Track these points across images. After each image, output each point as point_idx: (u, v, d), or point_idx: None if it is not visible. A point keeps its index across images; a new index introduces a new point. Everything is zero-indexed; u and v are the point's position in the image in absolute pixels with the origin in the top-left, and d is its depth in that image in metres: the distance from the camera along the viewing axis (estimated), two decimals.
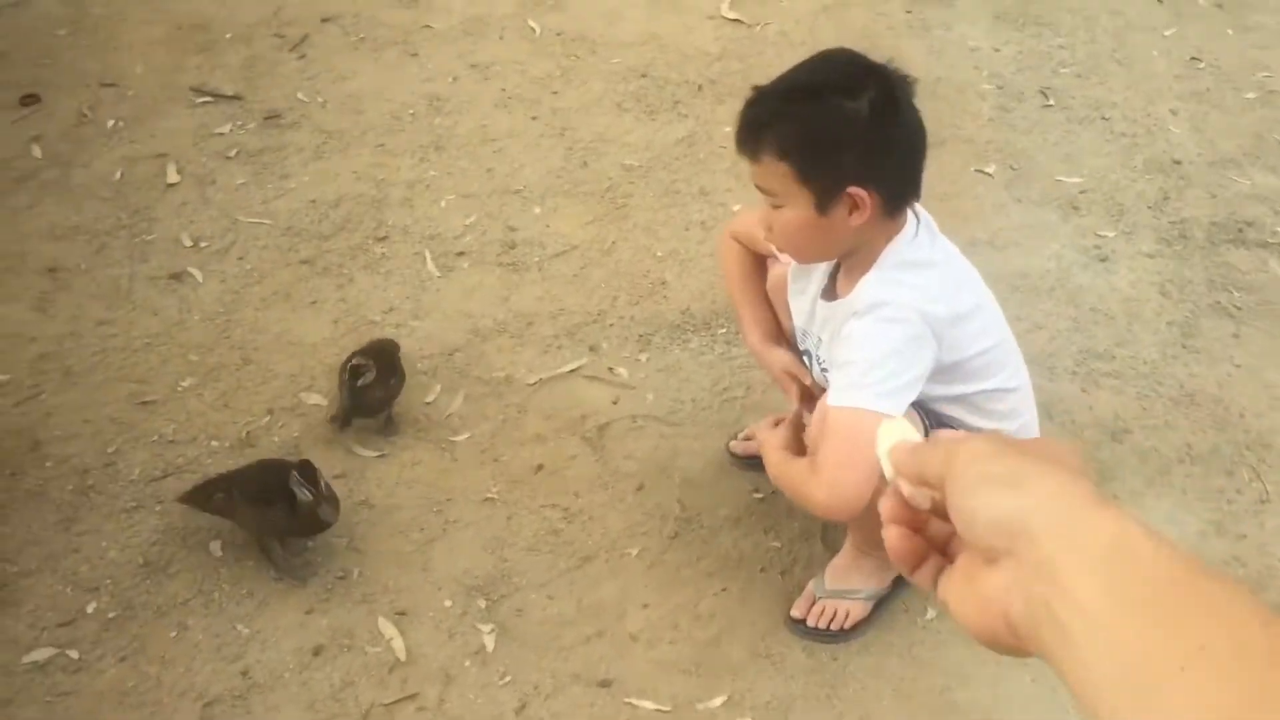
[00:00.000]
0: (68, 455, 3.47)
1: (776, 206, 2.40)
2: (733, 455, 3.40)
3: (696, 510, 3.30)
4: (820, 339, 2.66)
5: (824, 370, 2.66)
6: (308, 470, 3.04)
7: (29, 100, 4.84)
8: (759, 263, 2.96)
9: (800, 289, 2.72)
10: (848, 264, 2.54)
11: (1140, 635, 0.63)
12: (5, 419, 3.57)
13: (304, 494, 3.00)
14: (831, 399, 2.37)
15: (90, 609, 3.05)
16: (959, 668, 2.92)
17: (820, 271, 2.64)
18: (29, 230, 4.25)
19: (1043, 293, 4.03)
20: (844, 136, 2.30)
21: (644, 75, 5.03)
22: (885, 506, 0.85)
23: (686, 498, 3.33)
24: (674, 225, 4.27)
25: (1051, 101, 4.97)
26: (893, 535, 0.84)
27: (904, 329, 2.35)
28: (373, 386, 3.36)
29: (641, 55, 5.15)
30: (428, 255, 4.12)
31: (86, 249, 4.18)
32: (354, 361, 3.40)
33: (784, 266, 2.81)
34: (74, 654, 2.94)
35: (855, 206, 2.33)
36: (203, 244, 4.20)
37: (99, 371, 3.73)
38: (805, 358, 2.80)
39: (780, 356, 2.86)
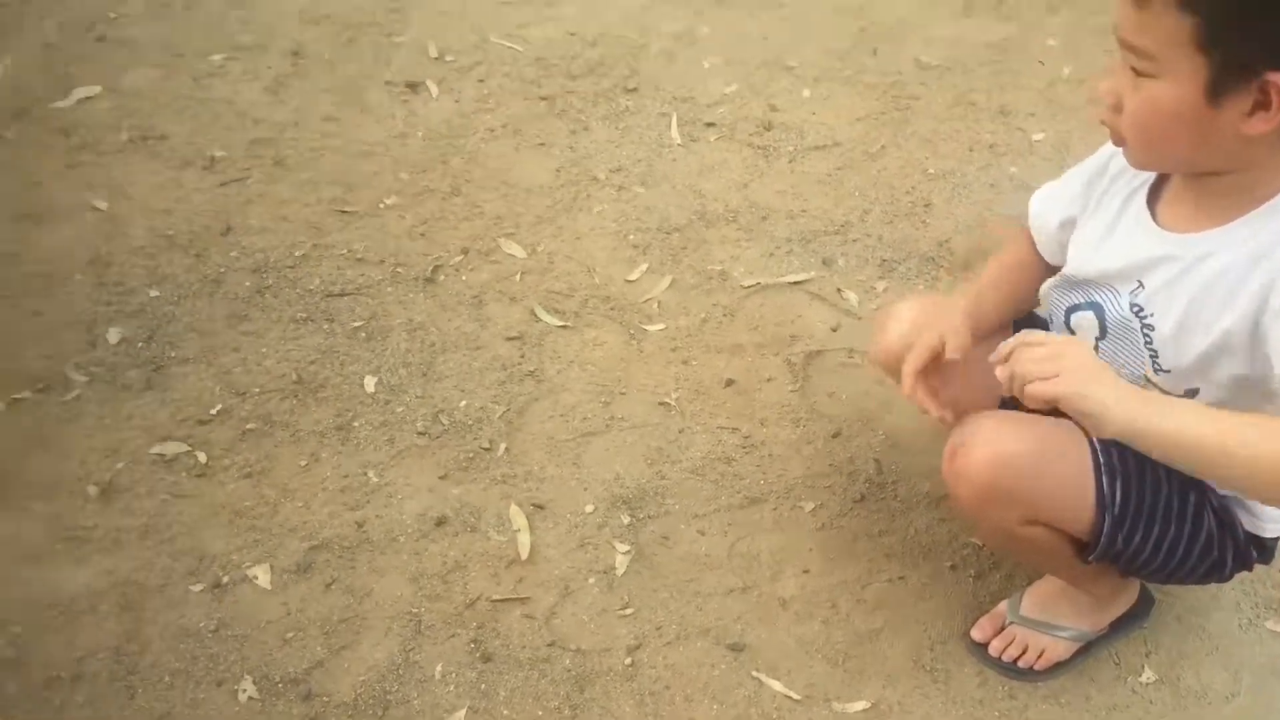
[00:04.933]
0: (255, 248, 3.30)
1: (1144, 75, 1.68)
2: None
3: (894, 476, 2.81)
4: (1141, 284, 1.98)
5: (1147, 329, 1.96)
6: None
7: None
8: (1038, 277, 2.32)
9: (1096, 211, 2.09)
10: (1204, 189, 1.82)
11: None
12: (208, 197, 3.43)
13: None
14: None
15: (231, 412, 2.89)
16: None
17: (1130, 189, 2.01)
18: (285, 9, 4.08)
19: None
20: None
21: None
22: None
23: (886, 459, 2.84)
24: (958, 141, 3.66)
25: None
26: None
27: None
28: None
29: None
30: (674, 119, 3.69)
31: (335, 40, 3.97)
32: None
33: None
34: (202, 456, 2.78)
35: (1263, 104, 1.62)
36: (448, 57, 3.92)
37: (309, 169, 3.54)
38: (1076, 316, 2.17)
39: (962, 336, 2.22)
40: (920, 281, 3.24)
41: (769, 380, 3.00)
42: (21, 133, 3.57)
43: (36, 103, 3.66)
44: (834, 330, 3.12)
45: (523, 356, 3.05)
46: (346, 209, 3.42)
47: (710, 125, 3.68)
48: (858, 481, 2.79)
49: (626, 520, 2.69)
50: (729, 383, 2.99)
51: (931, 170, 3.58)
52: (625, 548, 2.64)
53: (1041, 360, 1.76)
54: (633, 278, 3.24)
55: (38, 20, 3.99)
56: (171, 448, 2.81)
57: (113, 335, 3.05)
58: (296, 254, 3.29)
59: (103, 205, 3.38)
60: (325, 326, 3.12)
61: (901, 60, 3.93)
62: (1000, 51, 3.98)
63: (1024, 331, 1.87)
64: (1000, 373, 1.84)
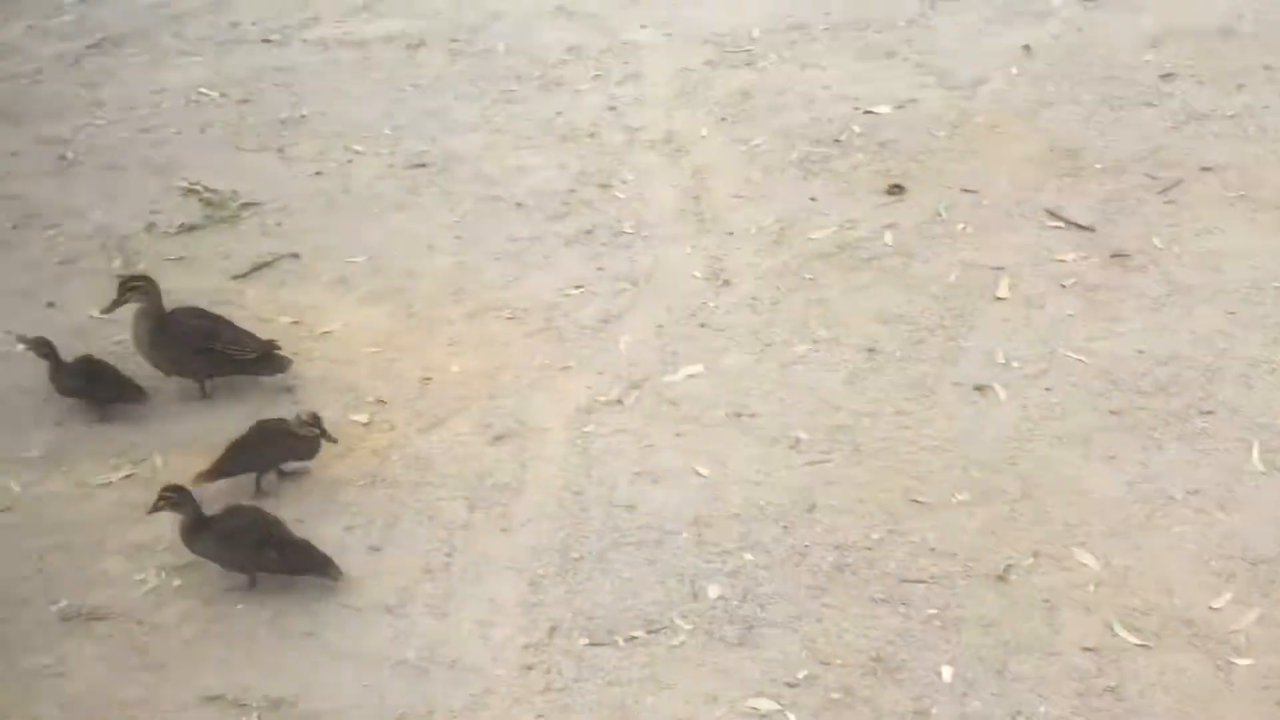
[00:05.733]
0: (836, 527, 3.61)
1: None
2: None
3: None
4: None
5: None
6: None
7: (895, 190, 5.19)
8: None
9: None
10: None
11: None
12: (794, 474, 3.82)
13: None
14: None
15: (816, 680, 3.13)
16: None
17: None
18: (860, 308, 4.53)
19: None
20: None
21: None
22: None
23: None
24: None
25: None
26: None
27: None
28: None
29: None
30: (1255, 446, 3.66)
31: (905, 339, 4.35)
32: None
33: None
34: (792, 717, 3.03)
35: None
36: (1014, 364, 4.16)
37: (884, 457, 3.85)
38: None
39: None
40: None
41: None
42: (639, 400, 4.18)
43: (652, 376, 4.29)
44: None
45: (1100, 671, 3.07)
46: (919, 499, 3.67)
47: None
48: None
49: None
50: None
51: None
52: None
53: None
54: (1217, 605, 3.19)
55: (651, 304, 4.70)
56: (764, 704, 3.09)
57: (712, 591, 3.44)
58: (873, 537, 3.56)
59: (705, 472, 3.86)
60: (901, 610, 3.32)
61: None
62: None
63: None
64: None
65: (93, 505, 3.86)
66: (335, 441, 3.88)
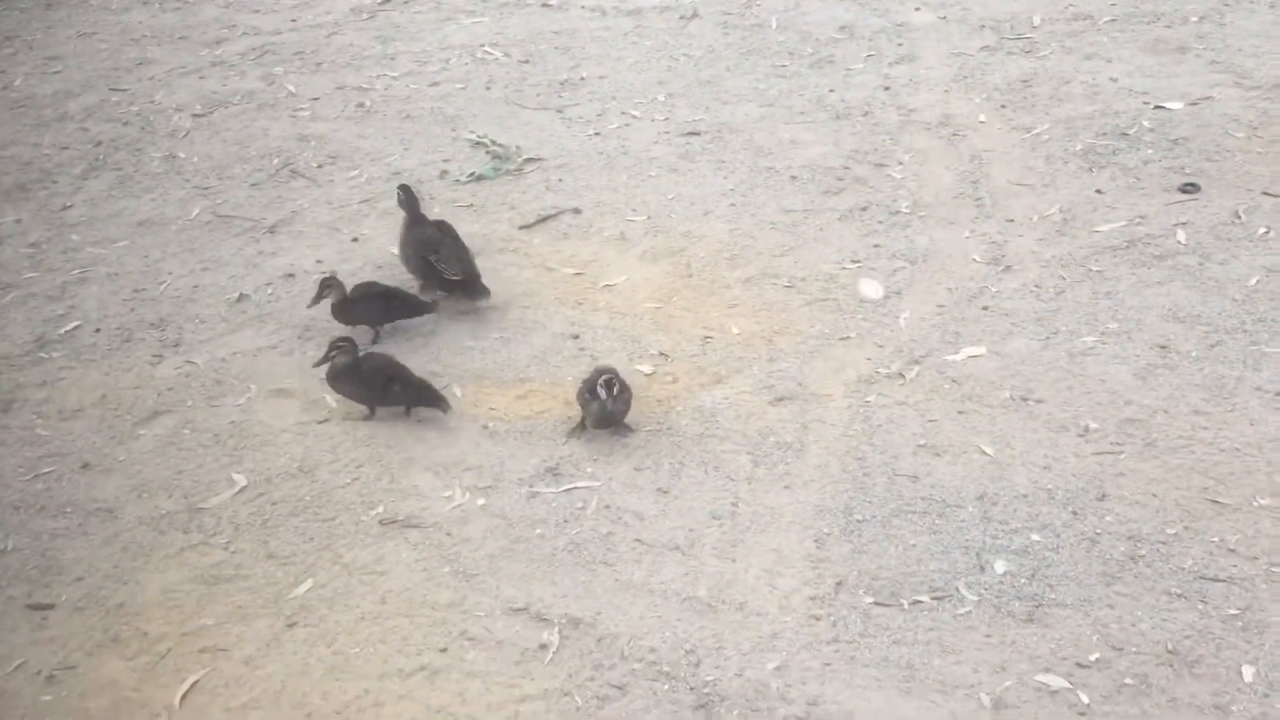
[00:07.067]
0: (1128, 518, 3.57)
1: None
2: None
3: None
4: None
5: None
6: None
7: (1189, 188, 5.03)
8: None
9: None
10: None
11: None
12: (1084, 462, 3.78)
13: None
14: None
15: (1109, 664, 3.12)
16: None
17: None
18: (1151, 304, 4.43)
19: None
20: None
21: None
22: None
23: None
24: None
25: None
26: None
27: None
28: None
29: None
30: None
31: (1201, 340, 4.24)
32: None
33: None
34: (1083, 696, 3.04)
35: None
36: None
37: (1180, 455, 3.77)
38: None
39: None
40: None
41: None
42: (920, 375, 4.21)
43: (933, 353, 4.31)
44: None
45: None
46: (1218, 499, 3.59)
47: None
48: None
49: None
50: None
51: None
52: None
53: None
54: None
55: (930, 283, 4.71)
56: (1054, 681, 3.10)
57: (999, 566, 3.45)
58: (1169, 531, 3.51)
59: (990, 451, 3.86)
60: (1199, 606, 3.27)
61: None
62: None
63: None
64: None
65: (401, 425, 4.15)
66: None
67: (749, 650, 3.26)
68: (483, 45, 6.86)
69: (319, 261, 5.07)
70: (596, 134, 5.92)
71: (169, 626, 3.43)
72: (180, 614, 3.47)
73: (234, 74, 6.70)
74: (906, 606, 3.35)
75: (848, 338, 4.43)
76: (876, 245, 4.93)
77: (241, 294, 4.88)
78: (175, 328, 4.70)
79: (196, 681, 3.26)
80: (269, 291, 4.90)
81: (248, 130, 6.12)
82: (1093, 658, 3.15)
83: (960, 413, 4.04)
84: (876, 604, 3.37)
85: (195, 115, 6.28)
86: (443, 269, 4.68)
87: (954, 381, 4.17)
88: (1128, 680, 3.08)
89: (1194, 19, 6.39)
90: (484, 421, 4.15)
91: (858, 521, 3.64)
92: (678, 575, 3.50)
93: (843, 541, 3.57)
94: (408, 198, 4.83)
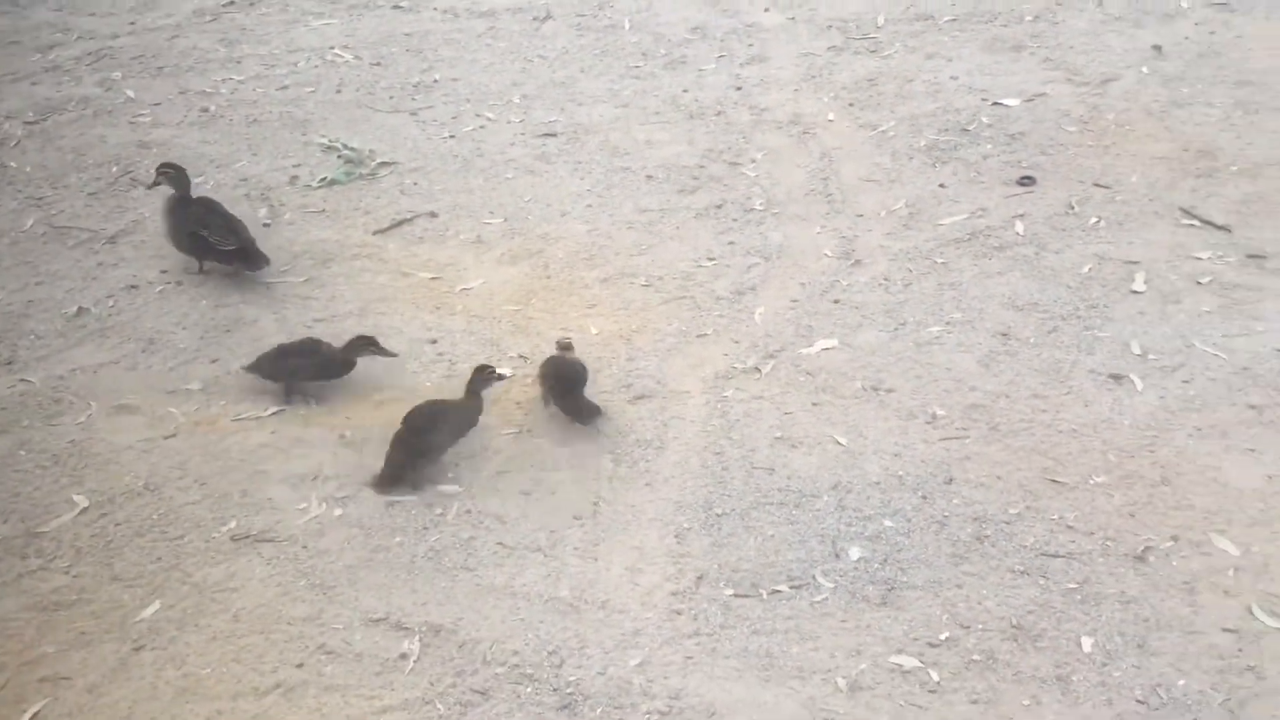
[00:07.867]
0: (974, 500, 3.70)
1: None
2: None
3: None
4: None
5: None
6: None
7: (1025, 181, 5.24)
8: None
9: None
10: None
11: None
12: (932, 449, 3.90)
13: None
14: None
15: (958, 642, 3.23)
16: None
17: None
18: (992, 293, 4.60)
19: None
20: None
21: None
22: None
23: None
24: None
25: None
26: None
27: None
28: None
29: None
30: None
31: (1039, 327, 4.41)
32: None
33: None
34: (934, 675, 3.14)
35: None
36: (1150, 356, 4.21)
37: (1021, 437, 3.92)
38: None
39: None
40: None
41: None
42: (776, 369, 4.29)
43: (788, 347, 4.39)
44: None
45: (1240, 650, 3.14)
46: (1057, 479, 3.75)
47: None
48: None
49: None
50: None
51: None
52: None
53: None
54: None
55: (783, 279, 4.81)
56: (907, 661, 3.19)
57: (854, 552, 3.54)
58: (1011, 511, 3.64)
59: (843, 440, 3.96)
60: (1041, 582, 3.41)
61: None
62: None
63: None
64: None
65: (255, 437, 4.05)
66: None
67: (611, 648, 3.27)
68: (332, 47, 6.72)
69: (164, 272, 4.91)
70: (451, 136, 5.87)
71: (6, 657, 3.27)
72: (18, 643, 3.31)
73: (69, 79, 6.42)
74: (765, 597, 3.41)
75: (705, 334, 4.48)
76: (731, 242, 5.00)
77: (80, 307, 4.69)
78: (9, 345, 4.49)
79: (37, 712, 3.12)
80: (110, 304, 4.72)
81: (84, 138, 5.88)
82: (943, 636, 3.26)
83: (815, 404, 4.12)
84: (736, 595, 3.42)
85: (27, 123, 6.01)
86: (215, 241, 4.75)
87: (808, 374, 4.26)
88: (975, 656, 3.20)
89: (1029, 18, 6.65)
90: (341, 430, 4.07)
91: (717, 515, 3.69)
92: (540, 577, 3.49)
93: (703, 536, 3.62)
94: (179, 176, 4.86)
